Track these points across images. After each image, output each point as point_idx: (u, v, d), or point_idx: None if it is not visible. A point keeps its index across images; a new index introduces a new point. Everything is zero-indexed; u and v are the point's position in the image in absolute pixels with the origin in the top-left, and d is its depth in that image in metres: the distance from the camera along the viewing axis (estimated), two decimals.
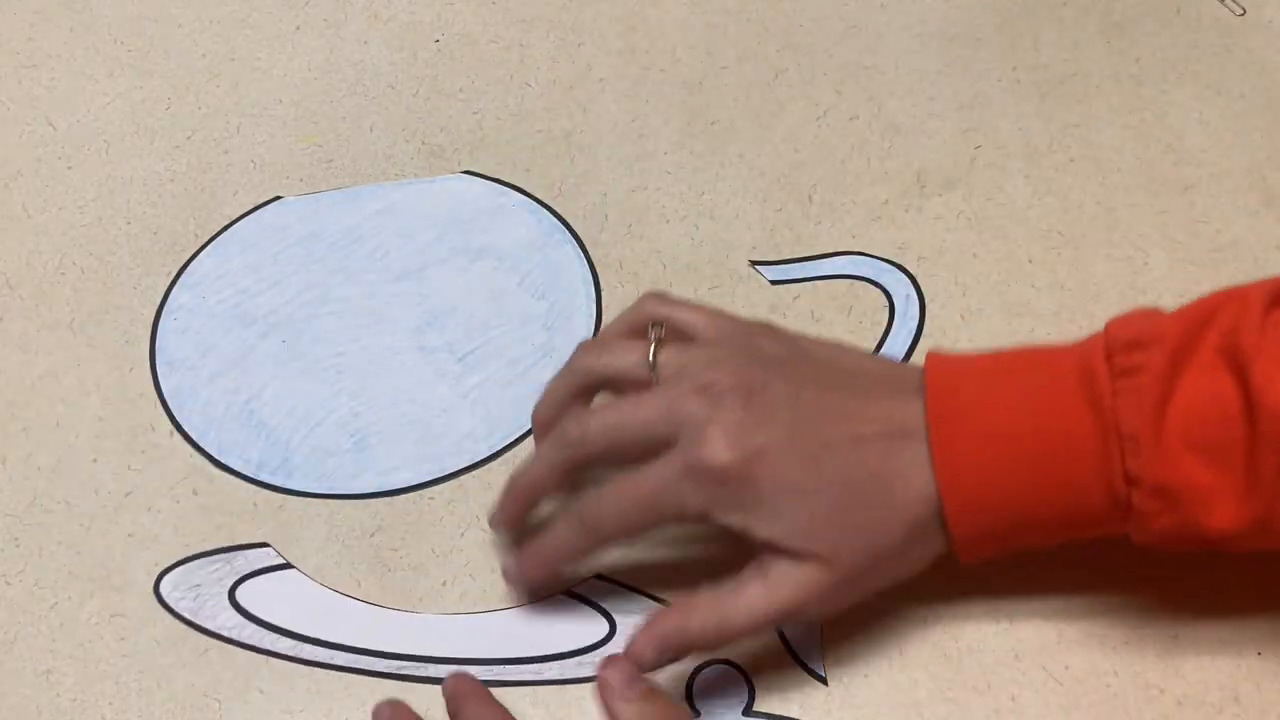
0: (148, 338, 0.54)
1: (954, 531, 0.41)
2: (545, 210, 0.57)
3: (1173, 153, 0.58)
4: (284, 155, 0.59)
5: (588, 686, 0.45)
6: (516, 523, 0.47)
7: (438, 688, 0.45)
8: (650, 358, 0.44)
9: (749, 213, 0.57)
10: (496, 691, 0.45)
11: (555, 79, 0.61)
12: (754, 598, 0.42)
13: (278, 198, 0.58)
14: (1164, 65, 0.61)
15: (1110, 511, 0.40)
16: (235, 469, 0.51)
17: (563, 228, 0.56)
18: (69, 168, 0.59)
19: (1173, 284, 0.54)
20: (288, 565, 0.48)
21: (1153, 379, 0.39)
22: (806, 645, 0.47)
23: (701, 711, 0.46)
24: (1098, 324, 0.42)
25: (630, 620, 0.46)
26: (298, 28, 0.64)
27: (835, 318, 0.54)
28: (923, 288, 0.55)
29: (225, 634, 0.47)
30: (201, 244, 0.57)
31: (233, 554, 0.49)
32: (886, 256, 0.55)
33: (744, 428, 0.41)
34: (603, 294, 0.54)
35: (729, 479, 0.41)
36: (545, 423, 0.46)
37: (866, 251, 0.55)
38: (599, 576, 0.48)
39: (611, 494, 0.43)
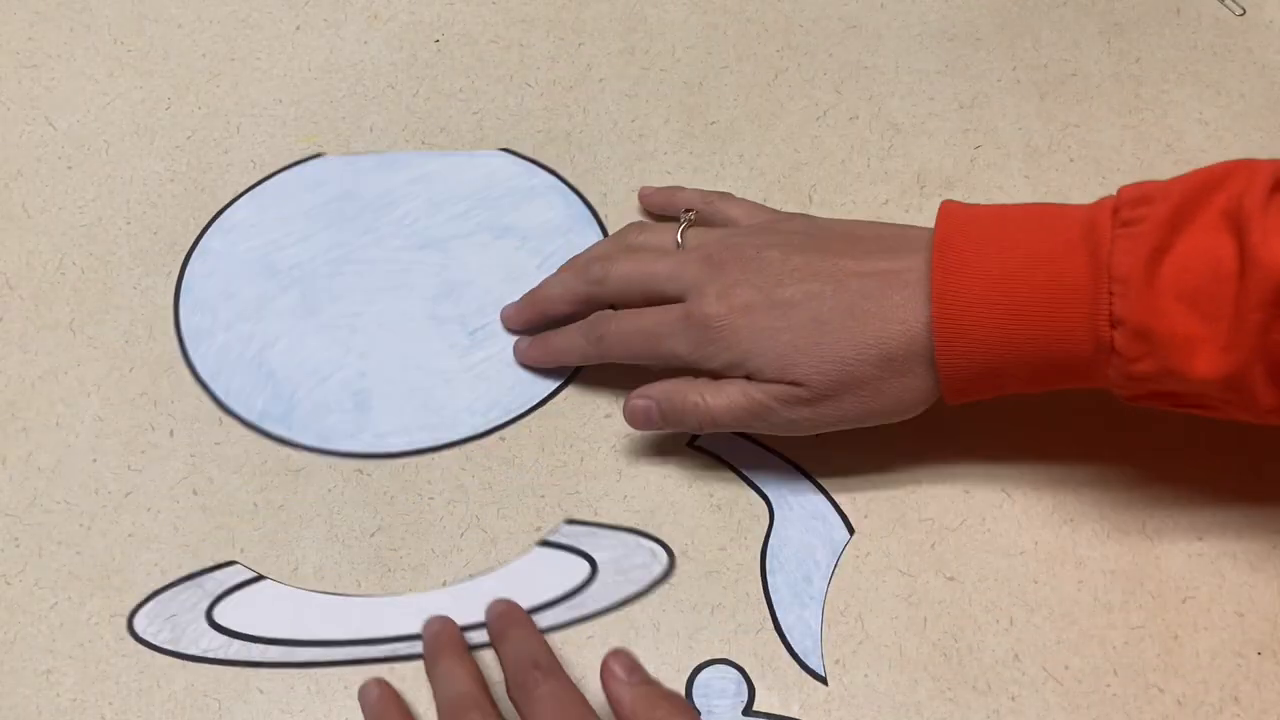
0: (148, 338, 0.54)
1: (940, 364, 0.44)
2: (576, 196, 0.57)
3: (1173, 153, 0.58)
4: (284, 155, 0.59)
5: (583, 628, 0.47)
6: (523, 327, 0.54)
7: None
8: (679, 236, 0.51)
9: None
10: (488, 652, 0.46)
11: (555, 79, 0.61)
12: (733, 391, 0.47)
13: (320, 154, 0.59)
14: (1164, 65, 0.61)
15: (1095, 354, 0.42)
16: (238, 414, 0.52)
17: (591, 216, 0.57)
18: (69, 168, 0.59)
19: None
20: (260, 578, 0.49)
21: (1151, 228, 0.41)
22: (806, 645, 0.47)
23: (701, 711, 0.46)
24: None
25: (610, 557, 0.48)
26: (298, 28, 0.64)
27: None
28: None
29: (212, 655, 0.47)
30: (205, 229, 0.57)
31: (202, 578, 0.49)
32: None
33: (735, 286, 0.47)
34: None
35: (713, 327, 0.47)
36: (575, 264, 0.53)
37: None
38: (569, 521, 0.49)
39: (622, 317, 0.50)
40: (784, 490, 0.50)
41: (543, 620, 0.47)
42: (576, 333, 0.51)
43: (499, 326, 0.54)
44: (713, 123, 0.60)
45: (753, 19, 0.63)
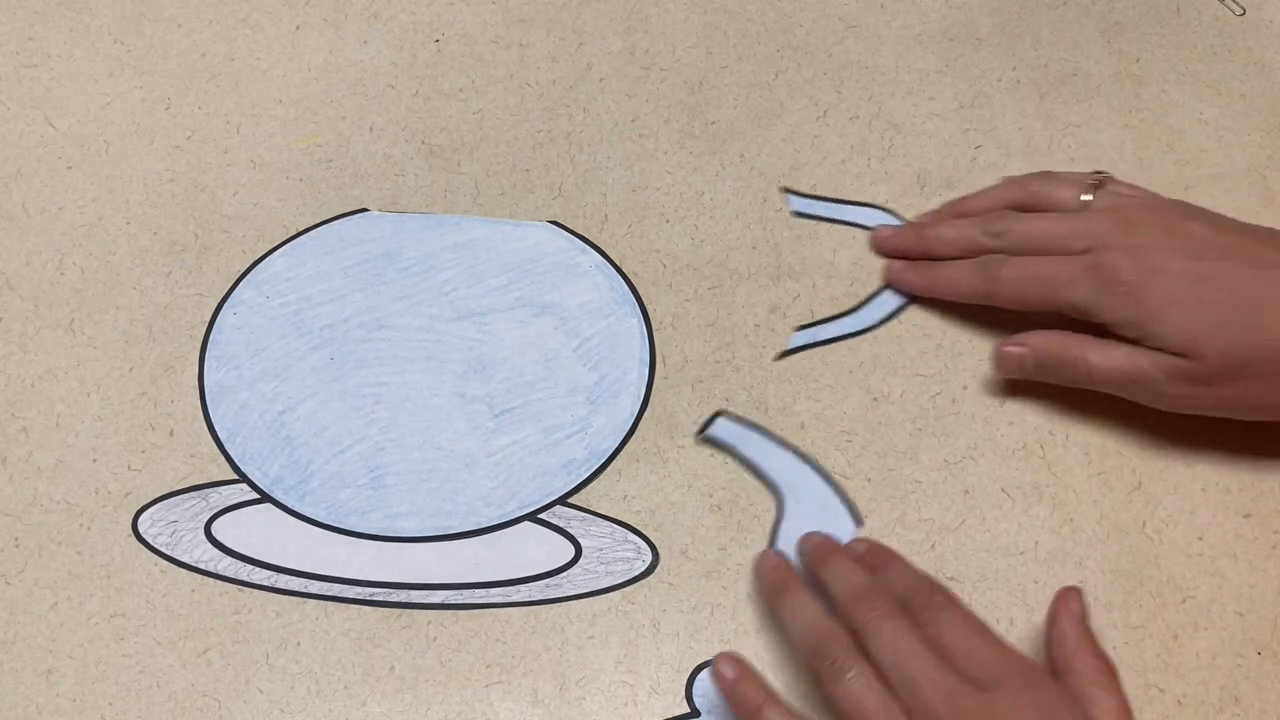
0: (148, 338, 0.54)
1: None
2: (620, 276, 0.55)
3: (1173, 153, 0.58)
4: (284, 155, 0.59)
5: (555, 607, 0.48)
6: (896, 252, 0.54)
7: (410, 612, 0.47)
8: (1085, 194, 0.50)
9: (749, 213, 0.57)
10: (466, 613, 0.47)
11: (555, 79, 0.61)
12: (1119, 354, 0.47)
13: (363, 209, 0.58)
14: (1164, 65, 0.61)
15: None
16: (252, 479, 0.51)
17: (633, 299, 0.55)
18: (69, 168, 0.59)
19: None
20: (262, 499, 0.49)
21: None
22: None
23: (701, 711, 0.46)
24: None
25: (596, 546, 0.48)
26: (298, 28, 0.64)
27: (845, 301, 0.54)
28: None
29: (202, 567, 0.48)
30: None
31: (207, 490, 0.50)
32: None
33: (1151, 249, 0.47)
34: (655, 380, 0.53)
35: (1121, 285, 0.46)
36: (969, 209, 0.53)
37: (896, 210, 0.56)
38: (565, 503, 0.50)
39: (1019, 261, 0.49)
40: (794, 481, 0.50)
41: (516, 594, 0.48)
42: (969, 268, 0.51)
43: (526, 412, 0.52)
44: (713, 123, 0.60)
45: (753, 19, 0.63)
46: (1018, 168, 0.58)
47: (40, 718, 0.46)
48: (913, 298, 0.54)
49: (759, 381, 0.53)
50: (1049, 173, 0.54)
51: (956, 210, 0.54)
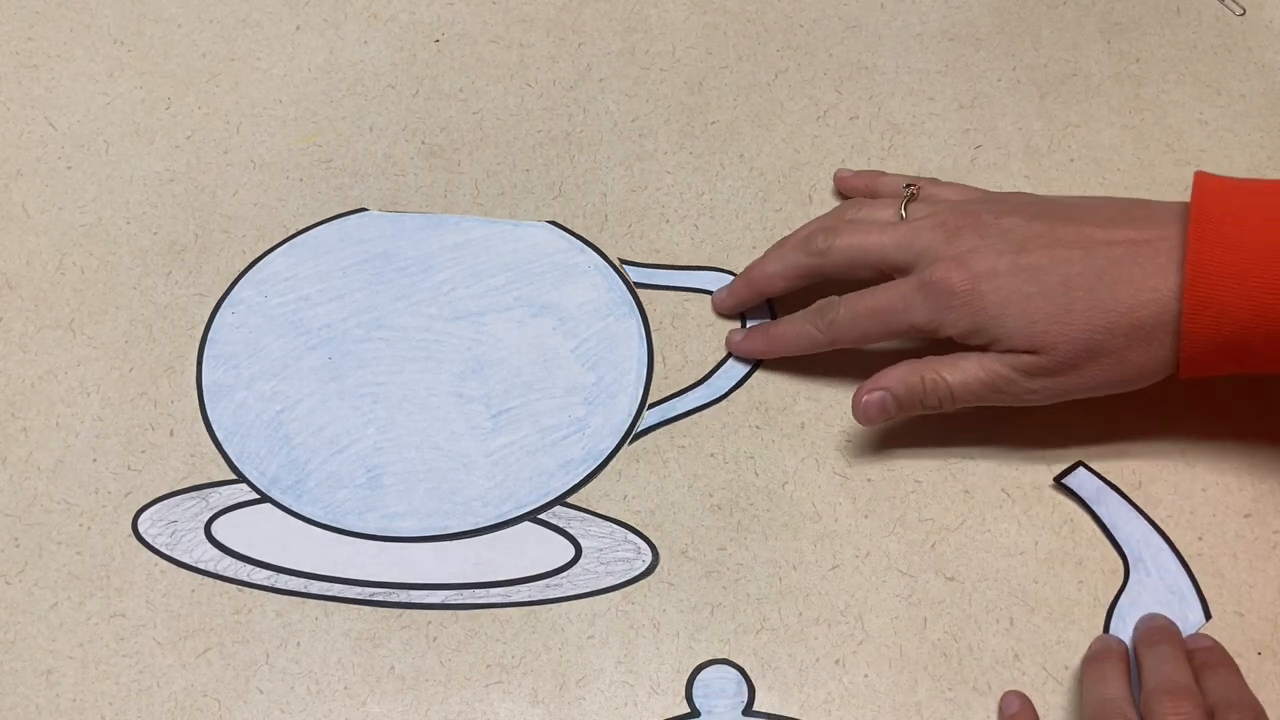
0: (148, 338, 0.54)
1: (1186, 334, 0.44)
2: (619, 278, 0.55)
3: (1173, 153, 0.58)
4: (284, 155, 0.59)
5: (555, 607, 0.47)
6: (739, 309, 0.54)
7: (410, 612, 0.47)
8: (903, 208, 0.50)
9: (749, 213, 0.57)
10: (466, 613, 0.47)
11: (555, 79, 0.61)
12: (969, 365, 0.47)
13: (363, 209, 0.58)
14: (1164, 65, 0.61)
15: None
16: (249, 478, 0.51)
17: (632, 300, 0.55)
18: (69, 168, 0.59)
19: None
20: (262, 499, 0.49)
21: None
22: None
23: (702, 711, 0.46)
24: None
25: (596, 546, 0.48)
26: (298, 28, 0.64)
27: None
28: None
29: (202, 567, 0.48)
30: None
31: (207, 490, 0.50)
32: None
33: (975, 253, 0.46)
34: (652, 381, 0.53)
35: (956, 295, 0.46)
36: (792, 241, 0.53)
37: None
38: (565, 504, 0.49)
39: (850, 300, 0.49)
40: (1144, 554, 0.48)
41: (516, 594, 0.48)
42: (804, 320, 0.51)
43: (524, 412, 0.52)
44: (713, 123, 0.60)
45: (753, 19, 0.63)
46: (1018, 168, 0.58)
47: (40, 718, 0.46)
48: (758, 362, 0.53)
49: (759, 381, 0.53)
50: (861, 199, 0.54)
51: (779, 244, 0.53)
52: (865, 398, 0.48)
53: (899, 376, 0.48)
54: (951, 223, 0.48)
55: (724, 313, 0.54)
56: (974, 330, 0.46)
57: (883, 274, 0.49)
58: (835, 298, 0.50)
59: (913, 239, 0.48)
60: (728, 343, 0.53)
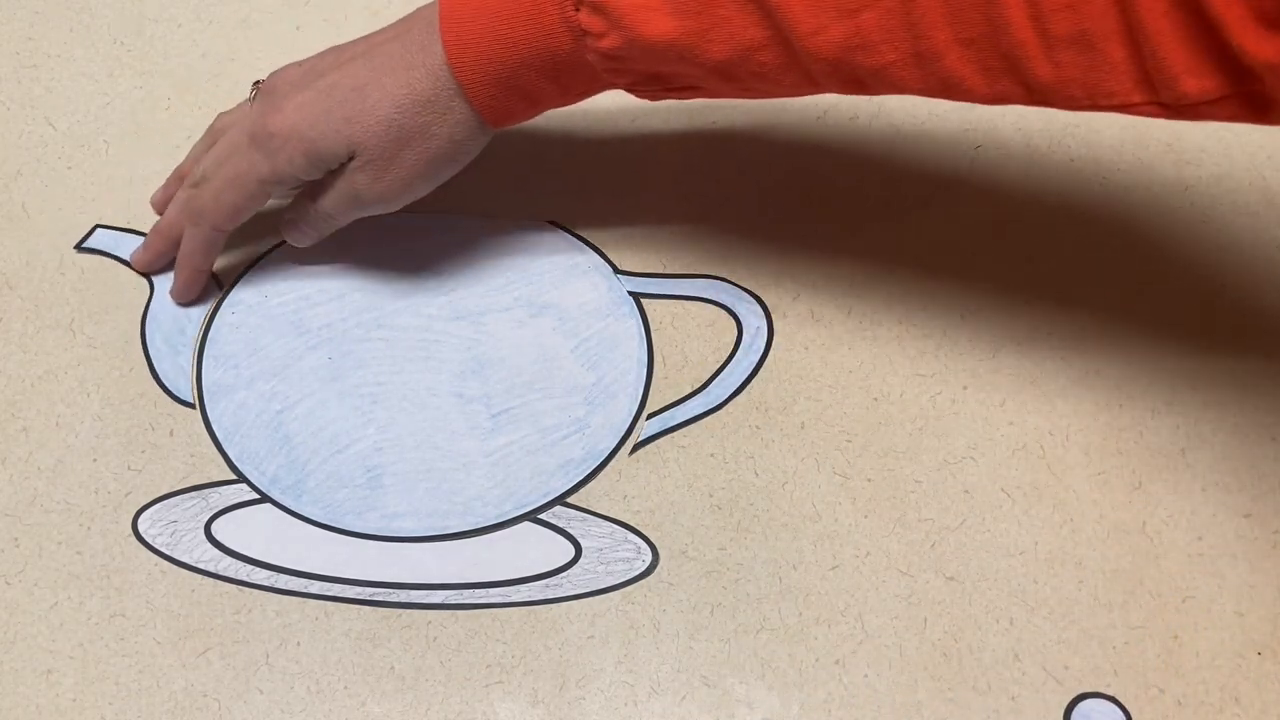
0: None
1: (461, 84, 0.47)
2: (619, 279, 0.55)
3: (1173, 152, 0.58)
4: None
5: (555, 607, 0.47)
6: (157, 262, 0.55)
7: (410, 612, 0.47)
8: (250, 103, 0.53)
9: (749, 213, 0.57)
10: (466, 613, 0.47)
11: None
12: (328, 183, 0.51)
13: None
14: None
15: (575, 44, 0.46)
16: (249, 478, 0.51)
17: (632, 300, 0.55)
18: (69, 168, 0.59)
19: (1172, 283, 0.54)
20: (262, 500, 0.49)
21: None
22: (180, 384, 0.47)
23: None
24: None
25: (596, 546, 0.48)
26: (298, 28, 0.64)
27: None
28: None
29: (202, 567, 0.48)
30: None
31: (207, 490, 0.50)
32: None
33: (284, 98, 0.50)
34: (652, 381, 0.53)
35: (275, 135, 0.49)
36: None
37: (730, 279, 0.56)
38: (565, 504, 0.49)
39: (204, 180, 0.52)
40: None
41: (516, 594, 0.48)
42: (174, 210, 0.54)
43: (524, 412, 0.52)
44: (713, 123, 0.60)
45: None
46: (1018, 168, 0.58)
47: (40, 718, 0.46)
48: (759, 363, 0.53)
49: (759, 381, 0.53)
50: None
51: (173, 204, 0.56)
52: (287, 229, 0.53)
53: (293, 208, 0.53)
54: (272, 84, 0.51)
55: (147, 271, 0.56)
56: (310, 163, 0.49)
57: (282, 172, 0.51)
58: (191, 189, 0.53)
59: (249, 115, 0.51)
60: (134, 259, 0.56)
